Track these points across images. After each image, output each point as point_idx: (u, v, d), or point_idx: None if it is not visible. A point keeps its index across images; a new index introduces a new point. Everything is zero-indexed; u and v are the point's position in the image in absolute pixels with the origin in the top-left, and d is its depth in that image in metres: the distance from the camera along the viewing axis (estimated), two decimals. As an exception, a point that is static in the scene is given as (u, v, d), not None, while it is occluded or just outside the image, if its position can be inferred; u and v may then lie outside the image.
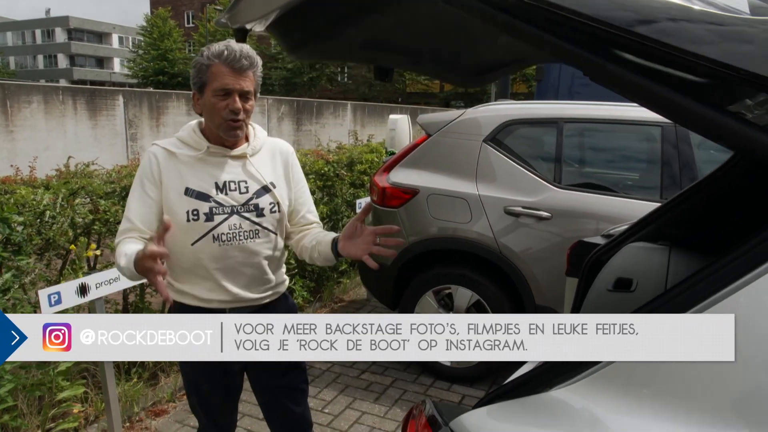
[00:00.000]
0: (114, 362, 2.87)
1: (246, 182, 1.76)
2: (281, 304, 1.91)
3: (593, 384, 0.75)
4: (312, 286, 4.92)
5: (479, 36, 1.21)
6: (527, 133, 3.50)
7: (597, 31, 0.74)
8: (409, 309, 3.66)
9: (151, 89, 13.58)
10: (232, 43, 1.66)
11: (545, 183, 3.29)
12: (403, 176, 3.70)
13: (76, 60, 61.12)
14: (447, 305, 3.61)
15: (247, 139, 1.81)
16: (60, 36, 60.97)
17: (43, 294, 2.31)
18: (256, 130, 1.87)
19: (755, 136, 0.76)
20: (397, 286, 3.73)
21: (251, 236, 1.75)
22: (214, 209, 1.70)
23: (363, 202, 4.86)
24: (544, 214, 3.23)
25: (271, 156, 1.86)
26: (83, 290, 2.46)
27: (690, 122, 0.81)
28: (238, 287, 1.76)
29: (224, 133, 1.70)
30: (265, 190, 1.78)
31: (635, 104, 3.21)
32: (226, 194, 1.72)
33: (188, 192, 1.70)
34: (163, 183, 1.70)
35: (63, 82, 47.89)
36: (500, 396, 0.82)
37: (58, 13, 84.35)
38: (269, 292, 1.85)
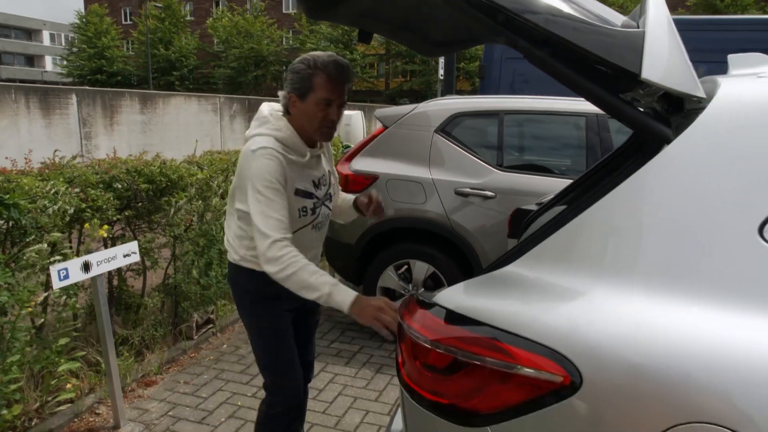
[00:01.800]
0: (108, 336, 3.13)
1: (325, 175, 2.07)
2: (316, 258, 2.25)
3: (533, 258, 1.16)
4: (278, 271, 5.24)
5: (444, 17, 1.62)
6: (472, 123, 3.96)
7: (528, 26, 1.12)
8: (372, 283, 4.07)
9: (100, 88, 13.42)
10: (337, 57, 1.86)
11: (489, 167, 3.77)
12: (363, 164, 4.10)
13: (3, 58, 58.10)
14: (407, 278, 4.05)
15: None
16: (-16, 33, 57.86)
17: (54, 270, 2.59)
18: None
19: (633, 114, 1.16)
20: (360, 263, 4.14)
21: (328, 218, 2.12)
22: (315, 204, 2.00)
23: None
24: (489, 193, 3.71)
25: (325, 149, 2.12)
26: (86, 267, 2.74)
27: (590, 98, 1.19)
28: (307, 257, 2.05)
29: (320, 137, 1.93)
30: (331, 178, 2.12)
31: (564, 98, 3.76)
32: (319, 189, 2.02)
33: (298, 192, 1.93)
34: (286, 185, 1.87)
35: (-10, 82, 45.41)
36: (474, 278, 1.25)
37: (-19, 8, 79.73)
38: (315, 253, 2.20)
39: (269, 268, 1.77)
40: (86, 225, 3.01)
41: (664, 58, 1.07)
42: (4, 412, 2.64)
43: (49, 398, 3.06)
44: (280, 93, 1.96)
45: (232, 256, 2.11)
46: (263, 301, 2.07)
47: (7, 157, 4.16)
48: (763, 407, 0.90)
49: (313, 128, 1.89)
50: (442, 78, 9.48)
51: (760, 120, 1.03)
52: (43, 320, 3.18)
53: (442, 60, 9.64)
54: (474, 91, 28.59)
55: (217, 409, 3.15)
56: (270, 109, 1.98)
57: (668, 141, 1.08)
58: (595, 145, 3.71)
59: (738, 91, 1.10)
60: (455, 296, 1.19)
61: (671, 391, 0.94)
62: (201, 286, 4.07)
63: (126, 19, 46.83)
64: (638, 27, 1.15)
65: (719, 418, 0.91)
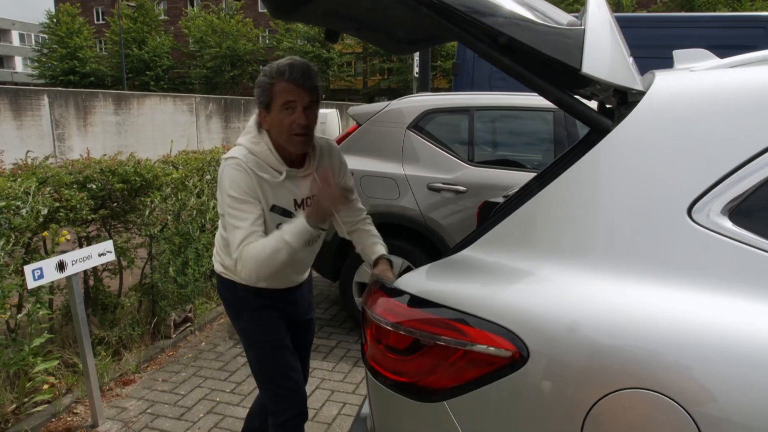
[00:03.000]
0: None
1: (313, 196, 1.94)
2: (308, 277, 2.28)
3: (487, 242, 1.24)
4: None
5: (406, 16, 1.69)
6: (444, 120, 4.04)
7: (477, 25, 1.18)
8: (348, 278, 4.13)
9: (73, 89, 13.26)
10: (296, 59, 1.78)
11: (461, 162, 3.85)
12: (338, 161, 4.16)
13: (-29, 59, 56.83)
14: (382, 273, 4.11)
15: (312, 149, 1.95)
16: (-48, 33, 56.45)
17: (28, 269, 2.59)
18: (316, 139, 1.98)
19: (577, 106, 1.23)
20: (336, 258, 4.19)
21: (315, 240, 2.03)
22: None
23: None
24: (461, 188, 3.79)
25: (328, 158, 2.01)
26: (61, 266, 2.75)
27: (540, 92, 1.26)
28: (298, 274, 2.11)
29: (292, 147, 1.82)
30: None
31: (533, 94, 3.83)
32: (303, 209, 1.92)
33: (274, 209, 1.86)
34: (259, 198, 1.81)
35: (-41, 84, 44.35)
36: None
37: (-53, 8, 77.50)
38: (307, 271, 2.22)
39: (242, 275, 1.75)
40: (44, 233, 3.01)
41: (603, 54, 1.15)
42: (-20, 413, 2.64)
43: (26, 399, 3.06)
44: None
45: (217, 267, 2.08)
46: (251, 311, 2.04)
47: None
48: (697, 377, 0.98)
49: (284, 138, 1.81)
50: (417, 76, 9.56)
51: (686, 109, 1.12)
52: (17, 321, 3.18)
53: (417, 58, 9.72)
54: (451, 89, 28.74)
55: (195, 406, 3.18)
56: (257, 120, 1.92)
57: (609, 131, 1.17)
58: (563, 140, 3.82)
59: (668, 84, 1.19)
60: (416, 280, 1.26)
61: (611, 361, 1.02)
62: (178, 284, 4.09)
63: (98, 19, 46.12)
64: (581, 25, 1.23)
65: (652, 384, 0.99)
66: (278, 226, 1.85)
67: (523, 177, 3.67)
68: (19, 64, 58.78)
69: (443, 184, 3.83)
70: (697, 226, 1.07)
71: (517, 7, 1.21)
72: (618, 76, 1.17)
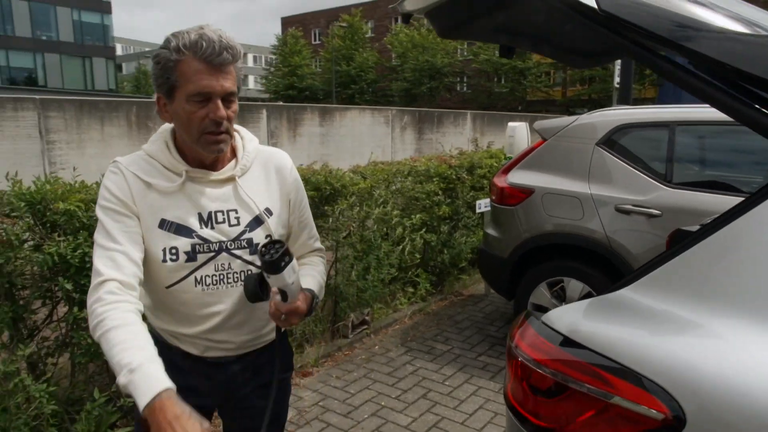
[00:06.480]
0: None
1: (236, 211, 1.40)
2: (267, 351, 1.56)
3: (649, 283, 1.09)
4: (434, 280, 5.37)
5: (583, 32, 1.59)
6: (639, 135, 3.69)
7: (662, 42, 1.06)
8: (524, 299, 3.99)
9: (285, 103, 14.98)
10: (207, 29, 1.26)
11: (656, 183, 3.48)
12: (520, 177, 4.05)
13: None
14: (560, 296, 3.89)
15: (234, 153, 1.44)
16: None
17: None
18: (245, 140, 1.47)
19: None
20: (512, 277, 4.07)
21: (243, 278, 1.40)
22: (197, 247, 1.35)
23: (483, 203, 5.23)
24: (655, 212, 3.42)
25: (265, 173, 1.48)
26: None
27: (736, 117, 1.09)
28: (236, 336, 1.47)
29: (204, 149, 1.33)
30: (258, 221, 1.42)
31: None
32: (213, 228, 1.37)
33: (163, 224, 1.34)
34: (139, 212, 1.33)
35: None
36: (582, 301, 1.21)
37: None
38: (259, 340, 1.53)
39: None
40: None
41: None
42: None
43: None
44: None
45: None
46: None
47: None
48: None
49: (192, 137, 1.31)
50: (617, 86, 8.89)
51: None
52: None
53: (618, 65, 9.04)
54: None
55: (362, 406, 3.34)
56: None
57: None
58: (789, 160, 3.23)
59: None
60: (565, 317, 1.17)
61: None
62: (358, 288, 4.33)
63: (315, 40, 51.32)
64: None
65: None
66: (171, 249, 1.34)
67: (731, 202, 3.18)
68: (251, 81, 68.04)
69: (634, 206, 3.50)
70: None
71: (709, 14, 1.06)
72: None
